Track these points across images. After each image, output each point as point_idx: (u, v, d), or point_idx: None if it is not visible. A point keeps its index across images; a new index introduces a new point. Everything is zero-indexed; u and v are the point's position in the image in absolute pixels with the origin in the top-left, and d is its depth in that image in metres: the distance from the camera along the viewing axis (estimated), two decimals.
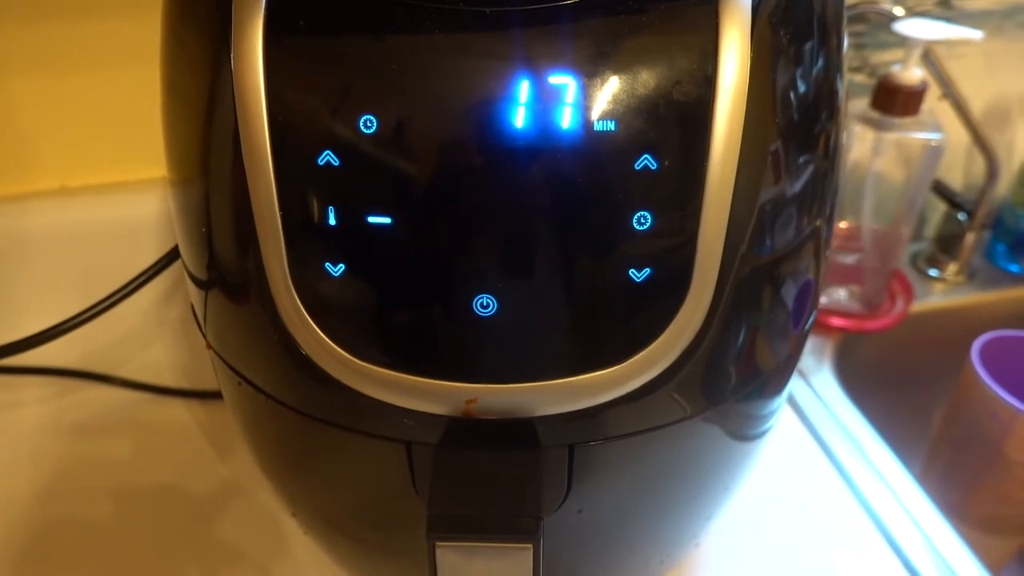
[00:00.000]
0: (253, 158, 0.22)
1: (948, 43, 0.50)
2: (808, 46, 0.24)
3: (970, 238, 0.63)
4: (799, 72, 0.24)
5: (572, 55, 0.21)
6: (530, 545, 0.23)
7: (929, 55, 0.53)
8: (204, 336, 0.30)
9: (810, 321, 0.31)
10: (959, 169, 0.68)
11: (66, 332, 0.41)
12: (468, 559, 0.23)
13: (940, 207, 0.67)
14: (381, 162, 0.22)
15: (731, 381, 0.26)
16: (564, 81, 0.21)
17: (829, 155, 0.26)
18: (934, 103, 0.57)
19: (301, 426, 0.27)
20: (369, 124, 0.21)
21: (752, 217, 0.23)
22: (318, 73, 0.21)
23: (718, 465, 0.31)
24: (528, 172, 0.21)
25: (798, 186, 0.25)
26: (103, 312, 0.42)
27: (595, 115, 0.21)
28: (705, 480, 0.31)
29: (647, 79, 0.21)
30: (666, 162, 0.21)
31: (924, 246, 0.68)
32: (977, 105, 0.62)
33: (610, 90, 0.21)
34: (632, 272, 0.22)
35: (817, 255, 0.28)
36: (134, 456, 0.48)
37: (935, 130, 0.52)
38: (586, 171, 0.21)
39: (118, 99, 0.52)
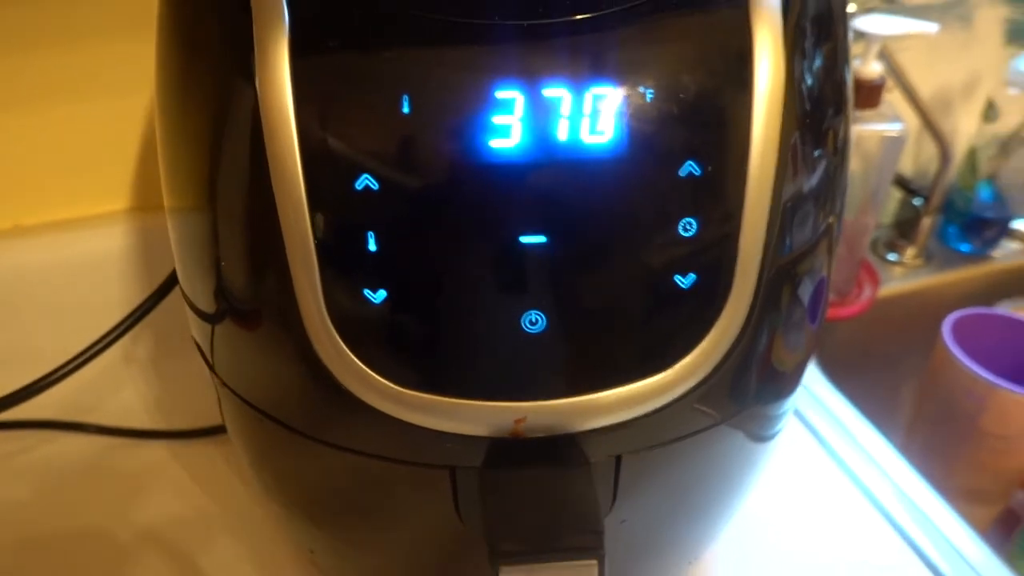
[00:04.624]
0: (284, 187, 0.21)
1: (899, 37, 0.52)
2: (827, 42, 0.24)
3: (926, 222, 0.66)
4: (822, 69, 0.24)
5: (613, 65, 0.21)
6: (595, 561, 0.22)
7: (883, 49, 0.55)
8: (214, 373, 0.29)
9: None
10: (908, 156, 0.71)
11: (52, 384, 0.39)
12: None
13: (896, 194, 0.70)
14: (423, 183, 0.21)
15: (770, 374, 0.26)
16: (606, 92, 0.21)
17: (844, 149, 0.27)
18: (885, 94, 0.59)
19: (333, 460, 0.26)
20: (409, 145, 0.21)
21: (786, 216, 0.24)
22: (351, 95, 0.21)
23: (747, 460, 0.31)
24: (574, 185, 0.21)
25: (822, 182, 0.25)
26: (86, 363, 0.39)
27: (638, 124, 0.21)
28: (735, 477, 0.31)
29: (687, 86, 0.21)
30: (709, 168, 0.21)
31: (882, 232, 0.71)
32: (923, 95, 0.65)
33: (651, 99, 0.21)
34: (678, 278, 0.22)
35: (832, 248, 0.29)
36: (116, 500, 0.45)
37: (895, 121, 0.54)
38: (631, 181, 0.21)
39: (74, 131, 0.50)
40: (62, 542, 0.43)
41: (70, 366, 0.39)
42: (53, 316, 0.52)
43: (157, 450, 0.49)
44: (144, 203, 0.54)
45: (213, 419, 0.50)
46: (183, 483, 0.47)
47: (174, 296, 0.40)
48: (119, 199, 0.53)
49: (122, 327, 0.39)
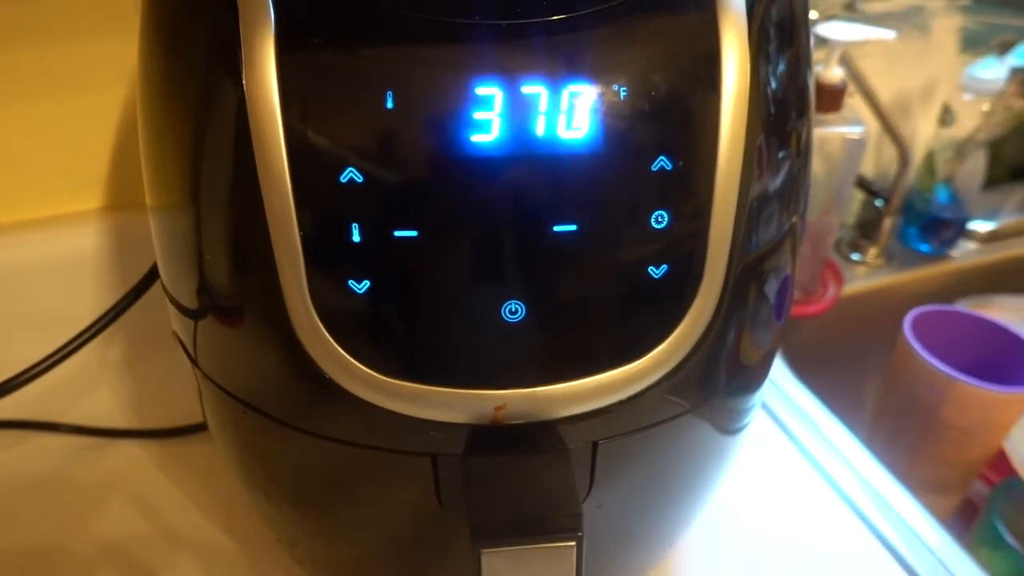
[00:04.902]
0: (270, 181, 0.22)
1: (859, 43, 0.54)
2: (790, 46, 0.26)
3: (888, 223, 0.68)
4: (785, 72, 0.25)
5: (588, 64, 0.22)
6: (574, 543, 0.23)
7: (844, 55, 0.57)
8: (197, 367, 0.29)
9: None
10: (870, 159, 0.74)
11: (25, 383, 0.39)
12: (514, 563, 0.23)
13: (858, 196, 0.72)
14: (406, 176, 0.22)
15: (738, 366, 0.28)
16: (582, 89, 0.21)
17: (807, 150, 0.28)
18: (846, 98, 0.61)
19: (316, 450, 0.27)
20: (392, 139, 0.21)
21: (753, 212, 0.25)
22: (337, 91, 0.21)
23: (715, 451, 0.32)
24: (552, 179, 0.22)
25: (786, 181, 0.26)
26: (58, 364, 0.39)
27: (612, 121, 0.22)
28: (705, 467, 0.32)
29: (660, 85, 0.22)
30: (680, 163, 0.22)
31: (846, 233, 0.73)
32: (883, 100, 0.67)
33: (625, 97, 0.22)
34: (651, 269, 0.23)
35: (796, 246, 0.30)
36: (89, 504, 0.45)
37: (856, 124, 0.56)
38: (606, 175, 0.22)
39: (47, 129, 0.50)
40: (33, 548, 0.42)
41: (42, 366, 0.39)
42: (26, 316, 0.52)
43: (131, 451, 0.49)
44: (119, 201, 0.53)
45: (188, 419, 0.50)
46: (158, 485, 0.46)
47: (148, 296, 0.41)
48: (93, 197, 0.53)
49: (96, 327, 0.39)
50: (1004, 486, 0.58)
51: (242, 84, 0.21)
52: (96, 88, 0.49)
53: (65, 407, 0.51)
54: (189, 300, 0.27)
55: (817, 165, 0.60)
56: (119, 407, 0.52)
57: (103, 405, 0.52)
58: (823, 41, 0.53)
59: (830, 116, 0.55)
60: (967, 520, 0.62)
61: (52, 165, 0.51)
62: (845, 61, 0.58)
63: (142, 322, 0.45)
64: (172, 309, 0.29)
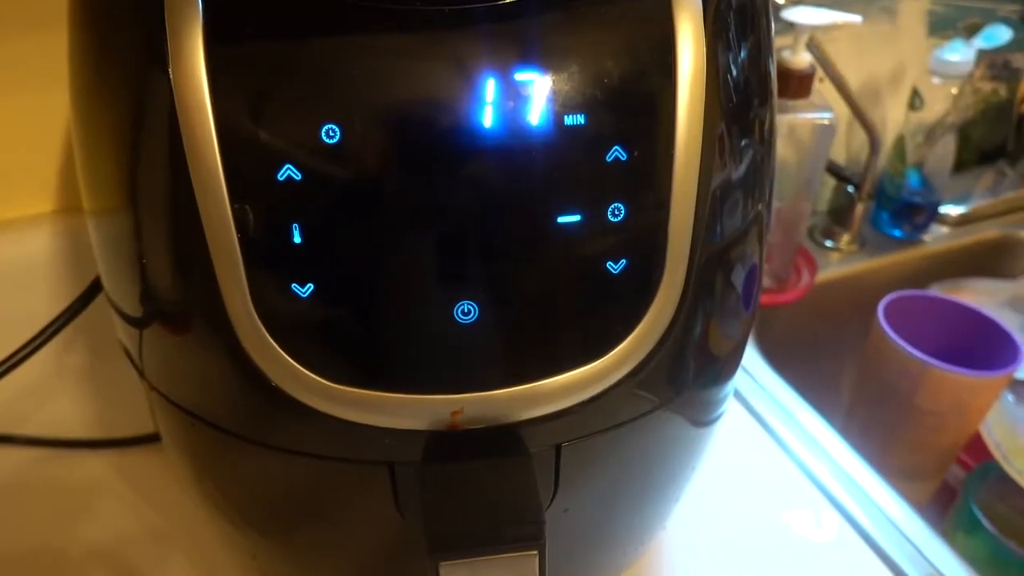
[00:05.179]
0: (203, 180, 0.21)
1: (826, 28, 0.53)
2: (750, 32, 0.25)
3: (860, 209, 0.68)
4: (745, 58, 0.24)
5: (537, 51, 0.21)
6: (535, 551, 0.22)
7: (811, 40, 0.56)
8: (143, 377, 0.28)
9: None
10: (841, 145, 0.73)
11: None
12: (474, 574, 0.22)
13: (830, 182, 0.72)
14: (346, 173, 0.21)
15: (706, 358, 0.27)
16: (531, 77, 0.20)
17: (770, 138, 0.27)
18: (816, 83, 0.61)
19: (270, 461, 0.25)
20: (331, 134, 0.20)
21: (714, 201, 0.24)
22: (271, 83, 0.20)
23: (688, 445, 0.31)
24: (502, 172, 0.21)
25: (749, 169, 0.26)
26: (9, 371, 0.38)
27: (564, 110, 0.21)
28: (677, 462, 0.31)
29: (613, 72, 0.21)
30: (636, 152, 0.21)
31: (818, 219, 0.73)
32: (851, 85, 0.67)
33: (577, 84, 0.21)
34: (610, 264, 0.22)
35: (762, 235, 0.29)
36: (54, 517, 0.43)
37: (825, 110, 0.55)
38: (559, 167, 0.21)
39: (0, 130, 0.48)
40: None
41: None
42: None
43: (95, 462, 0.47)
44: (71, 204, 0.52)
45: (148, 428, 0.48)
46: (123, 496, 0.45)
47: (104, 300, 0.39)
48: (44, 201, 0.51)
49: (47, 333, 0.37)
50: (980, 470, 0.58)
51: (169, 77, 0.20)
52: (45, 86, 0.47)
53: (22, 418, 0.49)
54: (132, 308, 0.26)
55: (787, 152, 0.59)
56: (80, 416, 0.51)
57: (63, 414, 0.50)
58: (790, 26, 0.52)
59: (799, 102, 0.55)
60: (945, 505, 0.62)
61: (6, 167, 0.49)
62: (813, 46, 0.57)
63: (101, 326, 0.43)
64: (116, 318, 0.28)
